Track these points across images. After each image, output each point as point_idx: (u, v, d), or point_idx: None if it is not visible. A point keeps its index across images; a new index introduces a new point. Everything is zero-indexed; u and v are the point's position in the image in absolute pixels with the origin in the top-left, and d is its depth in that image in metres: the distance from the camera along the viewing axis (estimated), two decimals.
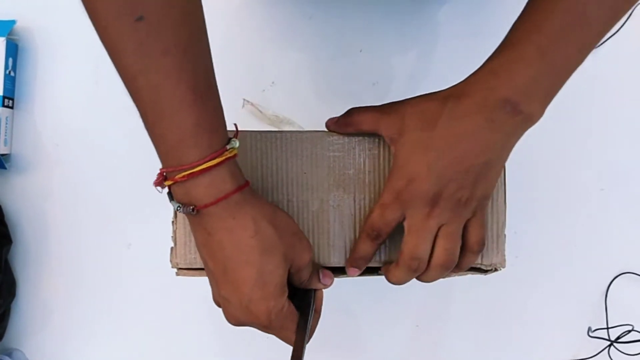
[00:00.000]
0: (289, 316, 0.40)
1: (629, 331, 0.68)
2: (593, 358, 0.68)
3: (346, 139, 0.45)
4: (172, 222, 0.46)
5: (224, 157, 0.36)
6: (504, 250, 0.46)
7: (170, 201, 0.39)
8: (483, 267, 0.46)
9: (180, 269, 0.46)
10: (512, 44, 0.38)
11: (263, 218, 0.38)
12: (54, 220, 0.68)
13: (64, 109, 0.68)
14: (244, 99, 0.68)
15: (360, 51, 0.68)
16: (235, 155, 0.38)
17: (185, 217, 0.43)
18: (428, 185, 0.39)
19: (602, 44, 0.68)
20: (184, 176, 0.35)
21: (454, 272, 0.44)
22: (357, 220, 0.45)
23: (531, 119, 0.38)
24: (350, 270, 0.45)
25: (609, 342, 0.68)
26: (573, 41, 0.37)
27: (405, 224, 0.41)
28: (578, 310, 0.69)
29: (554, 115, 0.66)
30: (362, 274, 0.46)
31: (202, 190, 0.36)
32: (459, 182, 0.39)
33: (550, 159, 0.68)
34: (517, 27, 0.39)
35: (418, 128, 0.40)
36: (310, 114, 0.68)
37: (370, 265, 0.45)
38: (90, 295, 0.68)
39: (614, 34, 0.67)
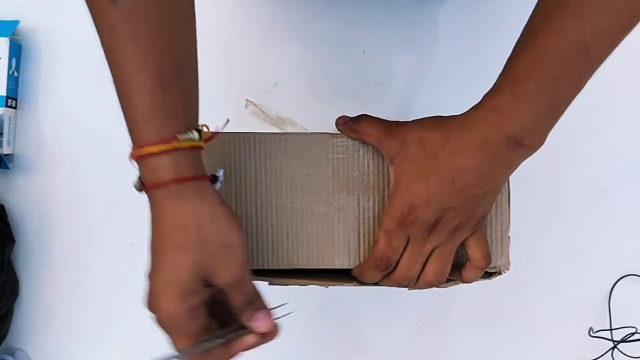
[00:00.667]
0: (184, 328, 0.38)
1: (632, 333, 0.68)
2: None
3: (350, 141, 0.45)
4: None
5: (169, 146, 0.36)
6: (508, 252, 0.46)
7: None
8: (488, 270, 0.46)
9: None
10: (514, 81, 0.38)
11: (193, 216, 0.37)
12: (57, 220, 0.68)
13: (67, 109, 0.68)
14: (247, 100, 0.67)
15: (363, 52, 0.68)
16: (192, 148, 0.37)
17: None
18: (429, 214, 0.41)
19: None
20: (132, 155, 0.37)
21: (460, 281, 0.46)
22: (361, 222, 0.45)
23: (533, 149, 0.39)
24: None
25: (612, 344, 0.68)
26: (574, 73, 0.37)
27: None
28: (581, 312, 0.69)
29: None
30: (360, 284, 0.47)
31: (147, 173, 0.37)
32: (458, 209, 0.41)
33: (553, 160, 0.68)
34: (517, 61, 0.38)
35: (418, 157, 0.41)
36: (312, 115, 0.68)
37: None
38: (93, 295, 0.68)
39: None
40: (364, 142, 0.45)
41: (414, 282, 0.44)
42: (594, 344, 0.68)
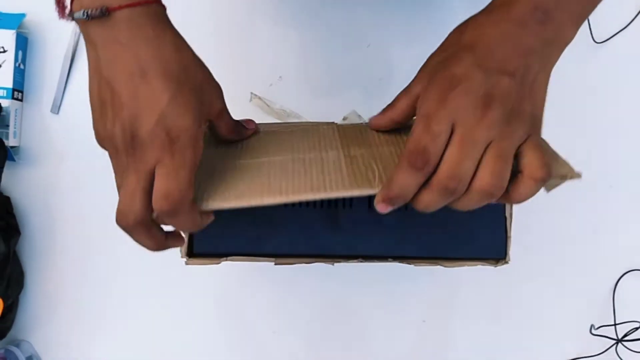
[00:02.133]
0: (195, 143, 0.35)
1: (636, 328, 0.68)
2: (600, 355, 0.68)
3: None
4: None
5: None
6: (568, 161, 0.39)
7: (73, 19, 0.36)
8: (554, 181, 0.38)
9: (191, 257, 0.46)
10: None
11: (182, 39, 0.37)
12: (62, 213, 0.68)
13: (73, 102, 0.69)
14: (252, 93, 0.68)
15: (368, 46, 0.69)
16: None
17: None
18: (478, 81, 0.33)
19: (610, 38, 0.67)
20: None
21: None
22: (379, 165, 0.39)
23: (563, 32, 0.36)
24: (380, 205, 0.36)
25: (616, 340, 0.68)
26: None
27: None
28: (584, 307, 0.69)
29: (563, 110, 0.66)
30: (368, 260, 0.46)
31: None
32: (508, 82, 0.34)
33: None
34: None
35: (444, 50, 0.38)
36: (316, 109, 0.68)
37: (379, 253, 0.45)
38: (97, 288, 0.68)
39: (622, 29, 0.67)
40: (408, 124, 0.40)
41: (464, 189, 0.34)
42: (596, 338, 0.68)
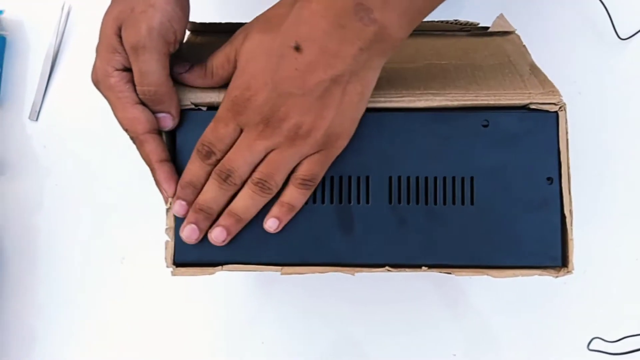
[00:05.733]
0: (119, 89, 0.38)
1: None
2: None
3: None
4: (167, 210, 0.38)
5: None
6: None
7: None
8: None
9: (177, 266, 0.38)
10: None
11: None
12: (41, 232, 0.60)
13: (54, 108, 0.62)
14: None
15: None
16: None
17: None
18: (264, 96, 0.35)
19: (635, 34, 0.61)
20: None
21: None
22: None
23: (387, 33, 0.33)
24: (175, 205, 0.38)
25: None
26: None
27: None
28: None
29: (591, 109, 0.60)
30: (397, 269, 0.37)
31: None
32: (300, 103, 0.34)
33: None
34: None
35: (261, 31, 0.36)
36: None
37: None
38: (81, 314, 0.59)
39: None
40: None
41: (235, 182, 0.37)
42: None
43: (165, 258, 0.38)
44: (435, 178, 0.39)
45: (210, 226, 0.38)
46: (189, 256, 0.38)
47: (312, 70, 0.33)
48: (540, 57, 0.45)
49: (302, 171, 0.37)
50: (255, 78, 0.35)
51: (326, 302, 0.59)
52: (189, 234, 0.37)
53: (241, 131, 0.37)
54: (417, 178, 0.39)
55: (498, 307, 0.59)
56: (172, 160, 0.39)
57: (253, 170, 0.37)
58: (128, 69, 0.37)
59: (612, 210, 0.59)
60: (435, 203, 0.39)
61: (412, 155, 0.39)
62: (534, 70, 0.42)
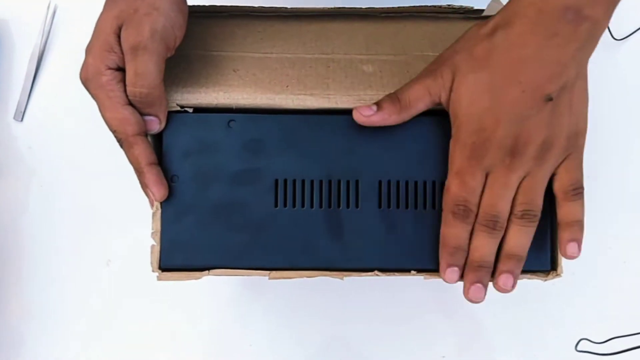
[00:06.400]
0: (109, 89, 0.36)
1: None
2: None
3: None
4: (153, 213, 0.37)
5: None
6: None
7: None
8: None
9: (163, 271, 0.37)
10: None
11: None
12: (26, 233, 0.59)
13: (39, 108, 0.61)
14: None
15: None
16: None
17: None
18: (503, 131, 0.34)
19: (630, 35, 0.61)
20: None
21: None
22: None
23: (599, 24, 0.33)
24: (446, 273, 0.37)
25: None
26: None
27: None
28: None
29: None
30: (386, 273, 0.37)
31: None
32: (537, 122, 0.34)
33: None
34: None
35: (473, 70, 0.34)
36: None
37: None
38: (66, 317, 0.58)
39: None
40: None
41: (503, 225, 0.36)
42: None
43: (151, 263, 0.37)
44: (425, 182, 0.39)
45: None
46: (176, 261, 0.38)
47: (539, 87, 0.33)
48: None
49: (566, 182, 0.37)
50: (486, 117, 0.34)
51: (315, 304, 0.58)
52: (477, 294, 0.37)
53: (486, 175, 0.36)
54: (407, 182, 0.39)
55: (487, 309, 0.59)
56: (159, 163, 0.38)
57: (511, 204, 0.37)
58: (121, 69, 0.37)
59: (601, 214, 0.59)
60: (425, 208, 0.39)
61: (402, 160, 0.39)
62: None
